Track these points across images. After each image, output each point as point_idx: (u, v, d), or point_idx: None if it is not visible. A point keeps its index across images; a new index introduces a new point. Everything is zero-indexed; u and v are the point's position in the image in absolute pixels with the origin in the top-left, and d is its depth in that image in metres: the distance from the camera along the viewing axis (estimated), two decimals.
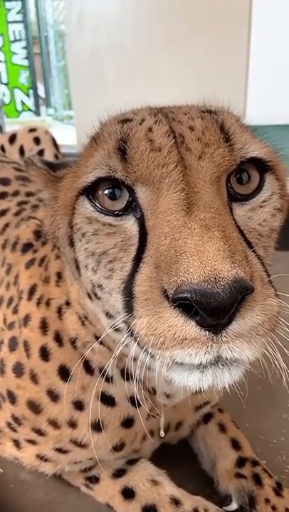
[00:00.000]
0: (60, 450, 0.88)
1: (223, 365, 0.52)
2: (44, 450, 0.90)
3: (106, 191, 0.63)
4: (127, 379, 0.81)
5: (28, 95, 7.20)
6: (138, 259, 0.58)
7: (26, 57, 7.02)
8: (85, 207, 0.65)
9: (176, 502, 0.87)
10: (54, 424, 0.85)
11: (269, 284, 0.57)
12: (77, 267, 0.70)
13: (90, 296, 0.70)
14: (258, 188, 0.65)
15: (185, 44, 3.44)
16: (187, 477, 0.99)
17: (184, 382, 0.54)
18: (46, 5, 7.07)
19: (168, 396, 0.85)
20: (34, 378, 0.86)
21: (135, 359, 0.63)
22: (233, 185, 0.63)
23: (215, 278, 0.47)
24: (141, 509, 0.87)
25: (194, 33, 3.40)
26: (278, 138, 0.75)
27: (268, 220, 0.65)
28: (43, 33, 7.17)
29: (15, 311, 0.93)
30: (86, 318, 0.81)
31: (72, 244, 0.69)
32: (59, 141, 1.78)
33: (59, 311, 0.87)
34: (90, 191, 0.65)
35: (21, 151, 1.70)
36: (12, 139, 1.73)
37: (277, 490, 0.91)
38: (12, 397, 0.89)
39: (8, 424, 0.93)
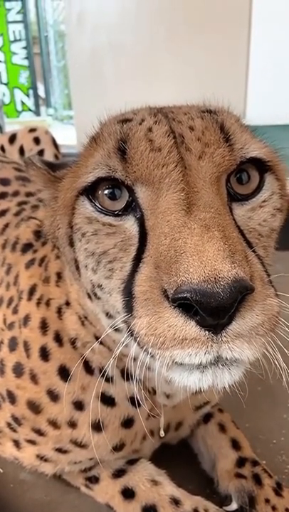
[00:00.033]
0: (60, 450, 0.88)
1: (223, 365, 0.52)
2: (44, 450, 0.90)
3: (106, 191, 0.63)
4: (127, 379, 0.81)
5: (28, 95, 7.20)
6: (138, 259, 0.58)
7: (26, 57, 7.03)
8: (85, 207, 0.65)
9: (176, 502, 0.87)
10: (54, 424, 0.85)
11: (269, 284, 0.57)
12: (77, 267, 0.70)
13: (89, 296, 0.70)
14: (258, 188, 0.65)
15: (185, 44, 3.44)
16: (187, 477, 0.99)
17: (184, 382, 0.54)
18: (46, 5, 7.07)
19: (168, 396, 0.85)
20: (34, 378, 0.86)
21: (135, 359, 0.63)
22: (233, 185, 0.63)
23: (215, 278, 0.47)
24: (141, 509, 0.87)
25: (194, 33, 3.40)
26: (278, 138, 0.75)
27: (267, 220, 0.65)
28: (43, 33, 7.18)
29: (15, 311, 0.93)
30: (86, 318, 0.81)
31: (72, 244, 0.69)
32: (59, 141, 1.78)
33: (59, 311, 0.87)
34: (89, 191, 0.65)
35: (21, 151, 1.70)
36: (12, 139, 1.73)
37: (277, 490, 0.91)
38: (12, 398, 0.89)
39: (8, 425, 0.93)
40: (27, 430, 0.89)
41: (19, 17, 6.87)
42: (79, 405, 0.84)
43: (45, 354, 0.86)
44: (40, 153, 1.67)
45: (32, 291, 0.91)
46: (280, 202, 0.67)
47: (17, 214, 1.14)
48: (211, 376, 0.52)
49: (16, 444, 0.94)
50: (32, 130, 1.74)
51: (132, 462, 0.95)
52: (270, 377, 0.62)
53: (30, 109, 7.26)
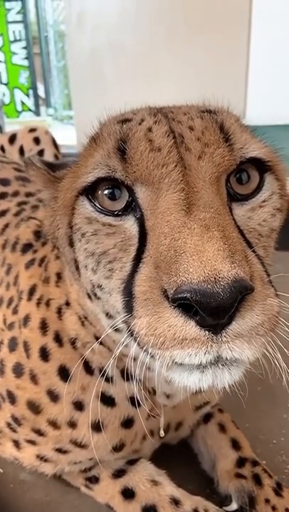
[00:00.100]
0: (60, 450, 0.88)
1: (223, 365, 0.52)
2: (44, 450, 0.90)
3: (106, 191, 0.63)
4: (127, 379, 0.81)
5: (28, 95, 7.20)
6: (138, 260, 0.58)
7: (26, 58, 7.03)
8: (85, 207, 0.65)
9: (176, 502, 0.87)
10: (54, 424, 0.85)
11: (269, 284, 0.56)
12: (77, 267, 0.70)
13: (89, 297, 0.70)
14: (258, 188, 0.65)
15: (185, 44, 3.45)
16: (187, 477, 0.99)
17: (183, 383, 0.54)
18: (46, 5, 7.07)
19: (168, 396, 0.85)
20: (34, 379, 0.86)
21: (135, 359, 0.63)
22: (233, 185, 0.63)
23: (215, 278, 0.47)
24: (141, 509, 0.87)
25: (194, 33, 3.40)
26: (278, 138, 0.75)
27: (267, 220, 0.65)
28: (43, 33, 7.18)
29: (15, 312, 0.93)
30: (86, 318, 0.81)
31: (71, 244, 0.69)
32: (59, 141, 1.78)
33: (59, 312, 0.87)
34: (89, 191, 0.65)
35: (21, 151, 1.70)
36: (12, 139, 1.73)
37: (277, 490, 0.91)
38: (12, 398, 0.89)
39: (8, 425, 0.93)
40: (27, 430, 0.89)
41: (19, 17, 6.87)
42: (79, 405, 0.84)
43: (45, 354, 0.86)
44: (40, 153, 1.67)
45: (32, 291, 0.91)
46: (279, 202, 0.67)
47: (17, 214, 1.14)
48: (211, 376, 0.52)
49: (16, 444, 0.94)
50: (32, 130, 1.74)
51: (132, 462, 0.95)
52: (270, 377, 0.62)
53: (30, 109, 7.26)
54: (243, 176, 0.64)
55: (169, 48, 3.51)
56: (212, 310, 0.48)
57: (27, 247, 1.00)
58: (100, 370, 0.83)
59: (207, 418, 1.06)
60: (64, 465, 0.92)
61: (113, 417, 0.85)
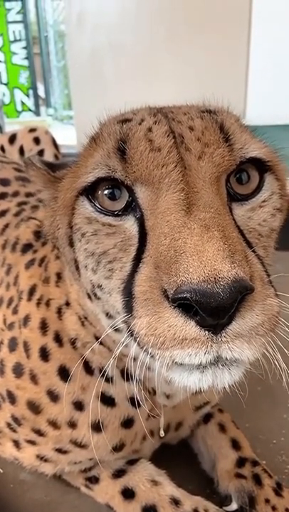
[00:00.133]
0: (60, 450, 0.88)
1: (223, 365, 0.52)
2: (44, 450, 0.90)
3: (106, 191, 0.63)
4: (127, 379, 0.81)
5: (28, 95, 7.20)
6: (138, 260, 0.58)
7: (26, 58, 7.03)
8: (85, 207, 0.65)
9: (176, 502, 0.87)
10: (54, 424, 0.85)
11: (269, 284, 0.56)
12: (77, 268, 0.70)
13: (89, 297, 0.70)
14: (258, 188, 0.65)
15: (185, 44, 3.45)
16: (187, 477, 0.99)
17: (183, 383, 0.54)
18: (46, 5, 7.08)
19: (168, 396, 0.85)
20: (34, 379, 0.86)
21: (135, 359, 0.63)
22: (233, 185, 0.63)
23: (215, 278, 0.47)
24: (141, 509, 0.87)
25: (194, 33, 3.40)
26: (278, 138, 0.75)
27: (267, 220, 0.65)
28: (43, 33, 7.18)
29: (15, 312, 0.93)
30: (86, 318, 0.81)
31: (71, 244, 0.69)
32: (59, 141, 1.78)
33: (59, 312, 0.87)
34: (89, 191, 0.65)
35: (21, 151, 1.70)
36: (12, 139, 1.73)
37: (277, 490, 0.91)
38: (12, 398, 0.89)
39: (8, 425, 0.93)
40: (27, 430, 0.89)
41: (19, 17, 6.87)
42: (79, 405, 0.84)
43: (45, 354, 0.86)
44: (40, 153, 1.67)
45: (32, 291, 0.91)
46: (279, 202, 0.67)
47: (17, 214, 1.14)
48: (211, 376, 0.52)
49: (16, 444, 0.94)
50: (32, 130, 1.74)
51: (132, 462, 0.95)
52: (270, 377, 0.62)
53: (30, 109, 7.26)
54: (243, 176, 0.64)
55: (169, 47, 3.51)
56: (212, 310, 0.48)
57: (27, 247, 1.00)
58: (100, 370, 0.83)
59: (207, 418, 1.06)
60: (64, 465, 0.92)
61: (113, 417, 0.85)
